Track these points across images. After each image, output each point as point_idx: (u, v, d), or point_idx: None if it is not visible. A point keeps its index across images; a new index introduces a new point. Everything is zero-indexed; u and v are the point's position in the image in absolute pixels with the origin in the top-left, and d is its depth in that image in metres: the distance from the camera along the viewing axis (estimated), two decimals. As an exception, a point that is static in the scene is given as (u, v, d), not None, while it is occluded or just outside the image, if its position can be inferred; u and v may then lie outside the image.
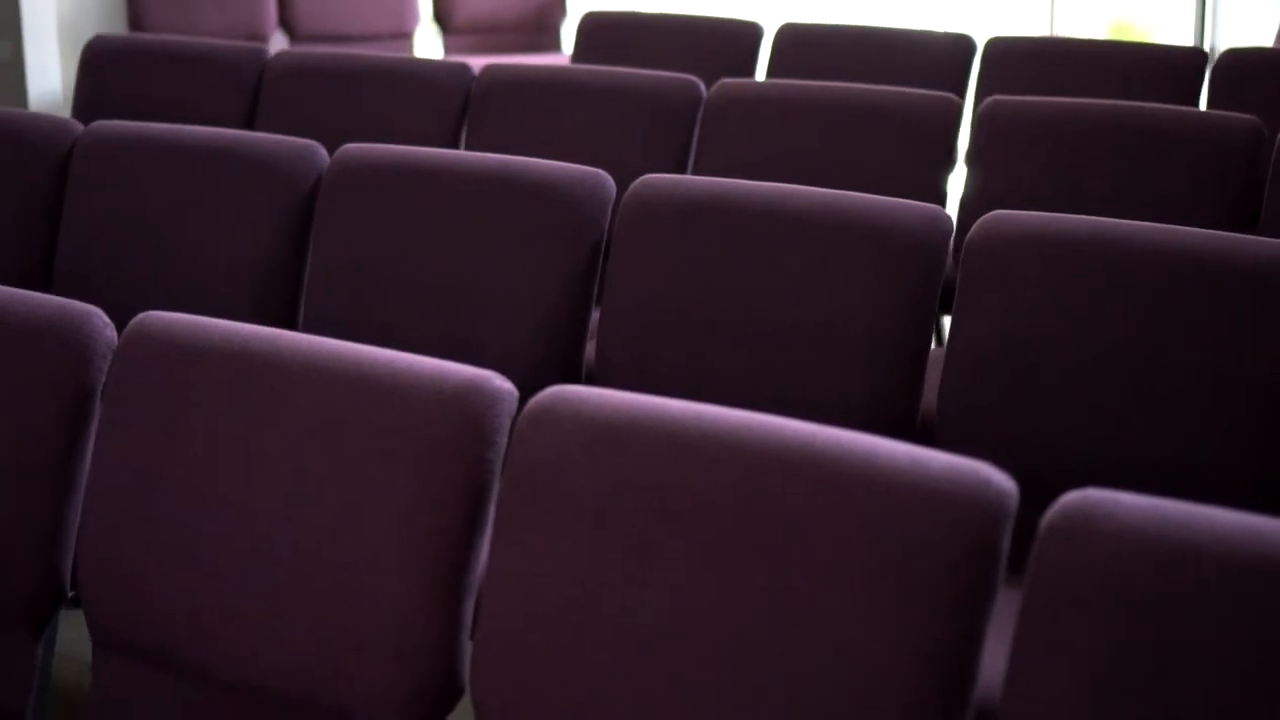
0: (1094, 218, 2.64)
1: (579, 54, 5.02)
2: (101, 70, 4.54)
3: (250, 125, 4.28)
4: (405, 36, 7.52)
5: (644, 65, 4.31)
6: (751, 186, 2.85)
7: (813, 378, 2.72)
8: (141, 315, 2.17)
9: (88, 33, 7.15)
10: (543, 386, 2.86)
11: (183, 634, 2.06)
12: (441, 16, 7.57)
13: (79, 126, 3.45)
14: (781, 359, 2.74)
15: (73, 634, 2.47)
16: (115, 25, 7.31)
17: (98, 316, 2.22)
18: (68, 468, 2.18)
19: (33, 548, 2.18)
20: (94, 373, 2.18)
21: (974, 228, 2.67)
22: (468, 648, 1.92)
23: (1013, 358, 2.59)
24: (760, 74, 4.79)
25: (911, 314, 2.69)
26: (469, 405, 1.92)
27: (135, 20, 7.23)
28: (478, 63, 6.63)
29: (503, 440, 1.92)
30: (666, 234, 2.85)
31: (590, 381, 2.96)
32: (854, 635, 1.67)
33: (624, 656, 1.78)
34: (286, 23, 7.42)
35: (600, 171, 2.97)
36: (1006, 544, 1.66)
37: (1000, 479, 1.67)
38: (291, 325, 3.18)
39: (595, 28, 5.07)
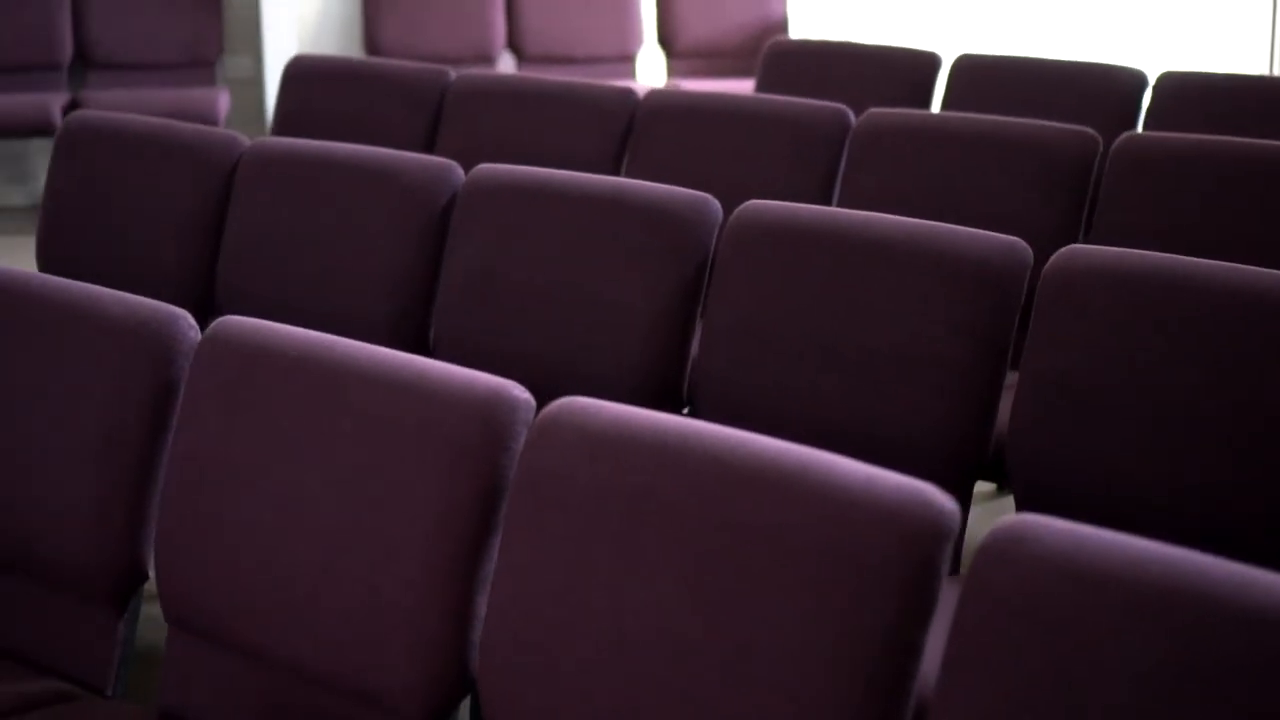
0: (1170, 255, 2.67)
1: (763, 82, 5.13)
2: (300, 89, 4.78)
3: (431, 143, 4.48)
4: (628, 60, 7.70)
5: (822, 93, 4.40)
6: (844, 214, 2.94)
7: (892, 402, 2.79)
8: (220, 320, 2.35)
9: (329, 48, 7.50)
10: (645, 400, 3.00)
11: (237, 616, 2.23)
12: (665, 40, 7.73)
13: (245, 142, 3.67)
14: (863, 383, 2.82)
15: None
16: (352, 45, 7.63)
17: (184, 319, 2.40)
18: (150, 458, 2.36)
19: (117, 531, 2.36)
20: (177, 371, 2.36)
21: (1050, 260, 2.72)
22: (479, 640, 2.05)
23: (1076, 389, 2.64)
24: (936, 104, 4.85)
25: (988, 343, 2.75)
26: (490, 412, 2.05)
27: (370, 40, 7.53)
28: (698, 86, 6.80)
29: (518, 446, 2.04)
30: (764, 258, 2.95)
31: (690, 396, 3.07)
32: (804, 639, 1.76)
33: (606, 651, 1.90)
34: (515, 44, 7.66)
35: (708, 196, 3.09)
36: (947, 562, 1.74)
37: (943, 501, 1.74)
38: (424, 336, 3.35)
39: (779, 56, 5.17)
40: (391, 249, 3.37)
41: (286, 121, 4.73)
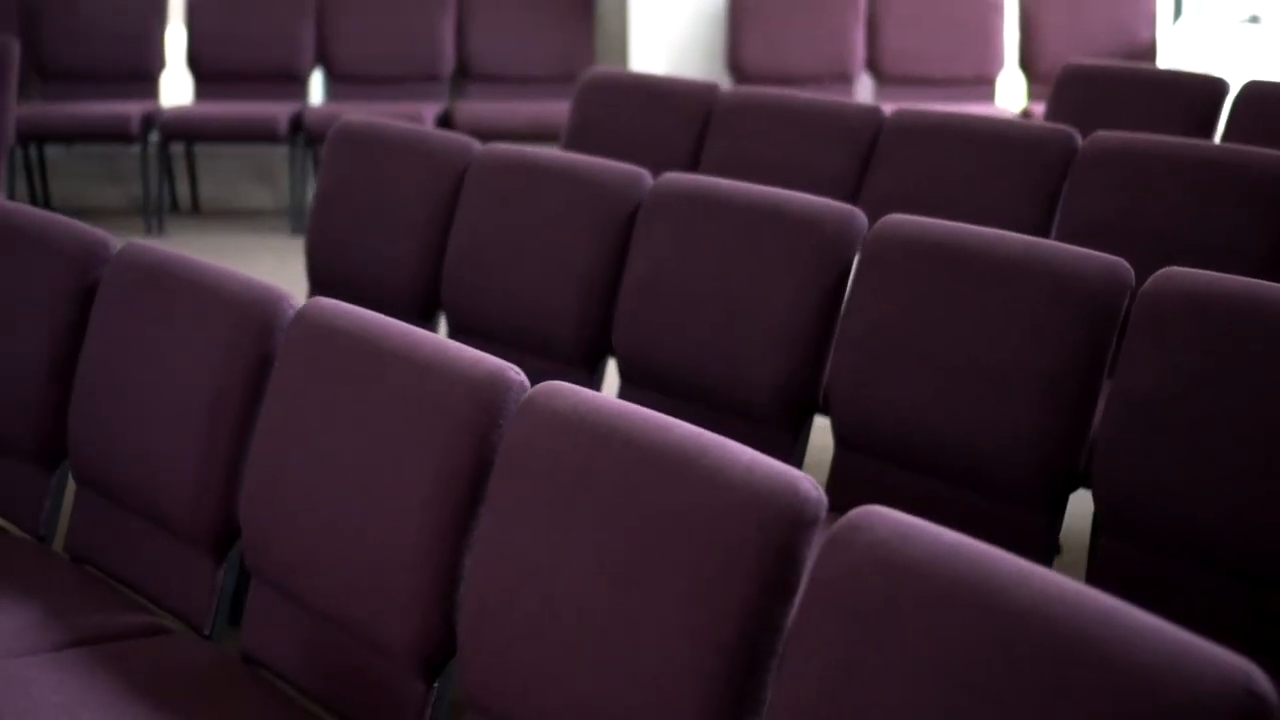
0: (1266, 282, 2.65)
1: (1052, 106, 5.12)
2: (590, 102, 5.03)
3: (697, 155, 4.66)
4: (988, 83, 7.71)
5: (1107, 118, 4.41)
6: (967, 230, 2.99)
7: (993, 413, 2.85)
8: (311, 300, 2.59)
9: (693, 66, 7.76)
10: (784, 398, 3.13)
11: (293, 569, 2.46)
12: (1026, 64, 7.70)
13: (477, 147, 3.93)
14: (969, 394, 2.88)
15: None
16: (715, 65, 7.86)
17: (287, 299, 2.64)
18: (246, 422, 2.61)
19: (216, 487, 2.63)
20: (274, 345, 2.61)
21: (1147, 282, 2.73)
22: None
23: (1158, 410, 2.64)
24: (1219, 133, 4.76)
25: (1082, 360, 2.77)
26: (485, 391, 2.23)
27: (733, 60, 7.75)
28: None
29: (508, 424, 2.21)
30: (893, 271, 3.03)
31: (825, 400, 3.17)
32: (678, 611, 1.89)
33: (541, 614, 2.06)
34: (874, 65, 7.76)
35: (854, 208, 3.19)
36: (808, 548, 1.83)
37: (809, 490, 1.84)
38: (607, 327, 3.53)
39: (1072, 80, 5.15)
40: (582, 253, 3.57)
41: (577, 133, 4.98)
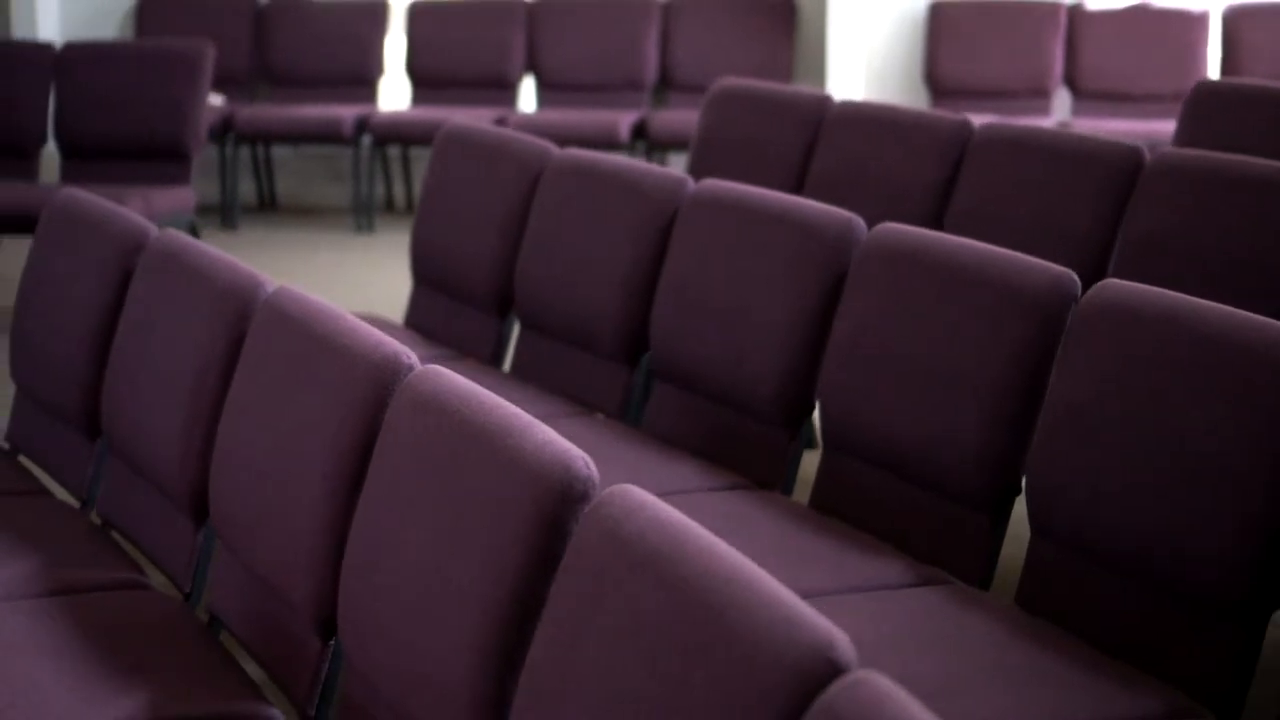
0: (1199, 300, 2.67)
1: (1184, 125, 5.07)
2: (716, 113, 5.17)
3: (807, 162, 4.77)
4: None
5: (1244, 140, 4.39)
6: (941, 240, 3.07)
7: (943, 419, 2.93)
8: (276, 289, 2.80)
9: (891, 79, 7.84)
10: (783, 399, 3.25)
11: (235, 531, 2.69)
12: (1228, 75, 7.58)
13: (554, 151, 4.12)
14: (925, 398, 2.97)
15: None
16: (913, 79, 7.92)
17: (264, 286, 2.86)
18: (220, 397, 2.83)
19: (194, 455, 2.85)
20: (247, 329, 2.82)
21: (1087, 294, 2.78)
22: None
23: (1087, 421, 2.69)
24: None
25: (1025, 369, 2.84)
26: (380, 373, 2.41)
27: (931, 74, 7.81)
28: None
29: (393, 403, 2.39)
30: (878, 278, 3.13)
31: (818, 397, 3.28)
32: (476, 570, 2.06)
33: (386, 570, 2.24)
34: (1071, 80, 7.73)
35: (853, 215, 3.29)
36: (575, 523, 1.97)
37: (581, 469, 1.98)
38: (645, 321, 3.68)
39: (1206, 97, 5.09)
40: (626, 255, 3.72)
41: (704, 141, 5.13)
